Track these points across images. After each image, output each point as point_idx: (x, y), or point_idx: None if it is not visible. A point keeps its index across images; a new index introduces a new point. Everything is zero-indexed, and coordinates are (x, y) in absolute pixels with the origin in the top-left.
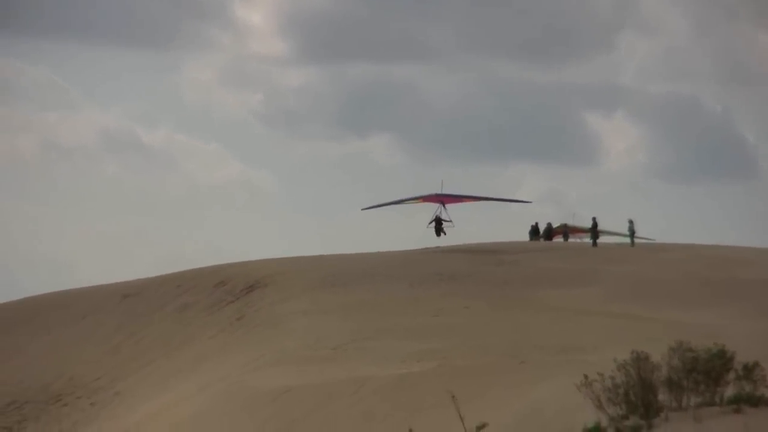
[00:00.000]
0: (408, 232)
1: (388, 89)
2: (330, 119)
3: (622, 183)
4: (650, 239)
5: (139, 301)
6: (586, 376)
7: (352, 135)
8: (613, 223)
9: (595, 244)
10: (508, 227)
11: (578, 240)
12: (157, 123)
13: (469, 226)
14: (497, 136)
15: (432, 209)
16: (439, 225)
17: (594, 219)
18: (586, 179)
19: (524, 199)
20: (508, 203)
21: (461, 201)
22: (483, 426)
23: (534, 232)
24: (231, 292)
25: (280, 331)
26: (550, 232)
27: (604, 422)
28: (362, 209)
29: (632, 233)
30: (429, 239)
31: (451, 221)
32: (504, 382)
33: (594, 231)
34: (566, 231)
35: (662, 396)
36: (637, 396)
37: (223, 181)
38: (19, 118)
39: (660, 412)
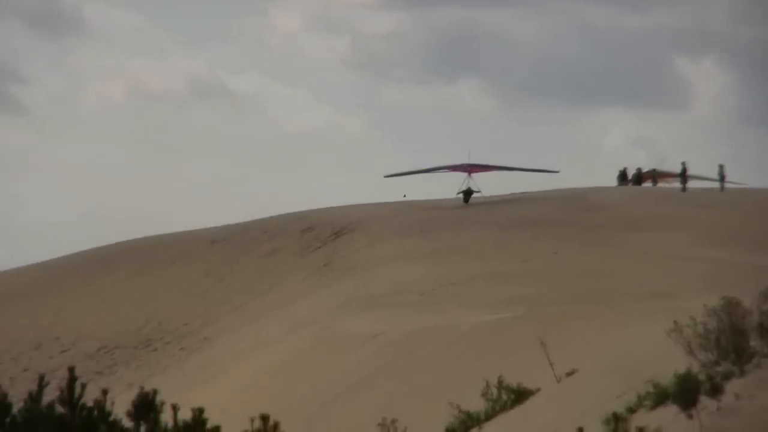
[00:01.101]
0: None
1: (476, 34)
2: (418, 64)
3: (712, 128)
4: (741, 184)
5: (227, 247)
6: (676, 322)
7: (440, 80)
8: (703, 168)
9: (684, 189)
10: (597, 172)
11: (667, 185)
12: (244, 69)
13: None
14: (586, 80)
15: (459, 178)
16: (468, 194)
17: (683, 164)
18: (676, 124)
19: (552, 169)
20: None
21: (488, 170)
22: (572, 372)
23: (622, 177)
24: (318, 238)
25: (367, 276)
26: (639, 177)
27: (695, 368)
28: (385, 176)
29: (722, 178)
30: (517, 186)
31: (480, 191)
32: (593, 328)
33: (683, 176)
34: (655, 176)
35: (754, 342)
36: (729, 342)
37: (310, 127)
38: (108, 64)
39: (752, 359)
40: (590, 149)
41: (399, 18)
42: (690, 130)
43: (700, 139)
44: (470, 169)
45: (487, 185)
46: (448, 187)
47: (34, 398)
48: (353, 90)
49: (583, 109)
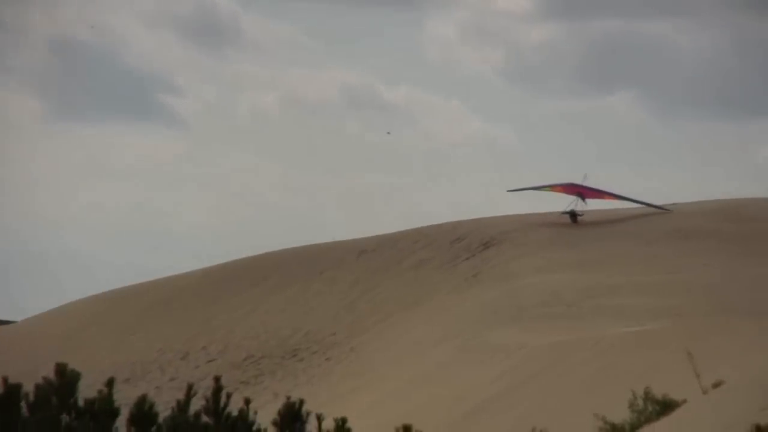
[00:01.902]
0: (644, 189)
1: (634, 44)
2: (572, 75)
3: None
4: None
5: (375, 257)
6: None
7: (594, 91)
8: None
9: None
10: (751, 183)
11: None
12: (398, 80)
13: (706, 183)
14: (743, 92)
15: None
16: (573, 216)
17: None
18: None
19: (665, 207)
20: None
21: (600, 197)
22: (719, 383)
23: None
24: (467, 249)
25: (515, 287)
26: None
27: None
28: (508, 191)
29: None
30: (662, 199)
31: (582, 214)
32: (740, 340)
33: None
34: None
35: None
36: None
37: (462, 138)
38: (263, 75)
39: None
40: (745, 160)
41: (555, 28)
42: None
43: None
44: (584, 191)
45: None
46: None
47: (182, 407)
48: (506, 101)
49: (740, 119)
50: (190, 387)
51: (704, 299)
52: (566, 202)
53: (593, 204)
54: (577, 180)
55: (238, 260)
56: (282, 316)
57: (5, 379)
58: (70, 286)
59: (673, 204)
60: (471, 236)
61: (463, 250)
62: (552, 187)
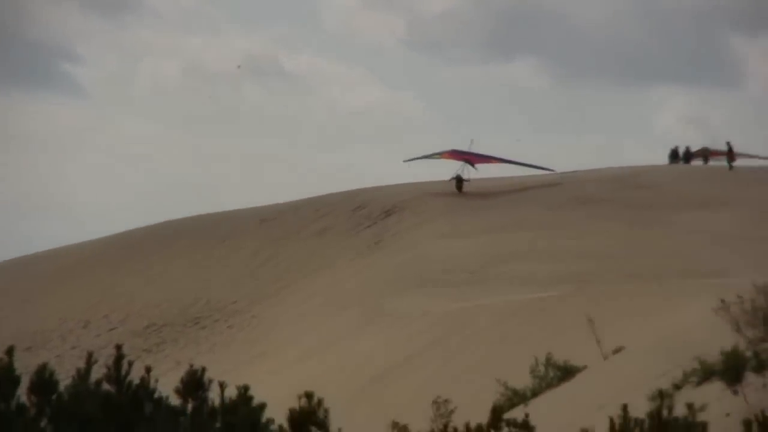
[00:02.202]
0: (544, 156)
1: (534, 13)
2: (474, 43)
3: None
4: None
5: (277, 225)
6: (723, 300)
7: (496, 59)
8: (756, 147)
9: (731, 167)
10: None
11: (718, 163)
12: (300, 48)
13: (605, 150)
14: (642, 59)
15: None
16: (459, 182)
17: (728, 143)
18: (731, 102)
19: (549, 168)
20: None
21: (488, 162)
22: (619, 349)
23: (673, 155)
24: (369, 217)
25: (418, 255)
26: (688, 156)
27: (742, 345)
28: (404, 161)
29: None
30: (565, 165)
31: (468, 181)
32: (641, 306)
33: (730, 154)
34: (707, 154)
35: None
36: None
37: (364, 106)
38: (164, 43)
39: None
40: (643, 128)
41: None
42: (744, 109)
43: (754, 117)
44: (471, 158)
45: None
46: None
47: (82, 376)
48: (409, 69)
49: (638, 87)
50: (90, 355)
51: (605, 266)
52: (458, 169)
53: (496, 172)
54: (464, 147)
55: (140, 229)
56: (184, 284)
57: None
58: None
59: (574, 172)
60: (372, 204)
61: (364, 218)
62: (441, 155)
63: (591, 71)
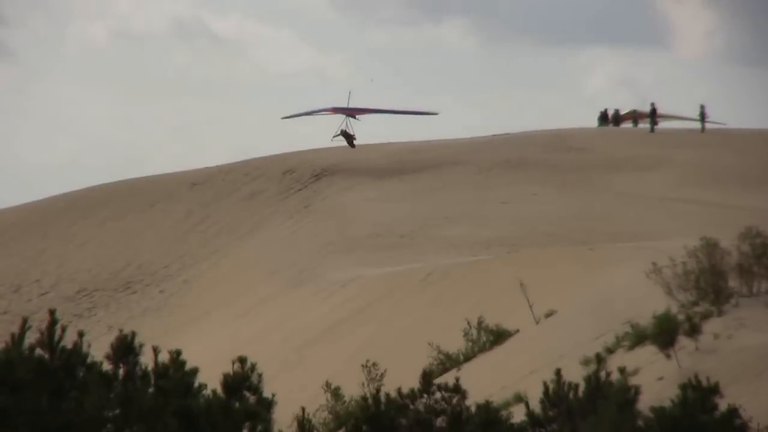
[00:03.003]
0: (475, 119)
1: None
2: (402, 4)
3: (695, 67)
4: (721, 124)
5: (207, 189)
6: (655, 263)
7: (424, 20)
8: (686, 108)
9: (652, 129)
10: (579, 113)
11: (646, 125)
12: (228, 10)
13: (536, 112)
14: (570, 20)
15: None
16: (348, 138)
17: (652, 104)
18: (660, 64)
19: (431, 111)
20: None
21: (367, 113)
22: (551, 313)
23: (603, 118)
24: (299, 180)
25: (347, 218)
26: (617, 118)
27: (674, 309)
28: (282, 118)
29: (703, 118)
30: (495, 127)
31: (354, 135)
32: (573, 270)
33: (652, 116)
34: (636, 117)
35: (732, 282)
36: (707, 282)
37: (293, 68)
38: (92, 4)
39: (730, 298)
40: (573, 90)
41: None
42: (673, 70)
43: (683, 78)
44: (351, 111)
45: (463, 129)
46: (425, 128)
47: (16, 342)
48: (338, 31)
49: (567, 49)
50: (24, 320)
51: (536, 230)
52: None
53: (427, 135)
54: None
55: (69, 193)
56: (114, 248)
57: None
58: None
59: (505, 134)
60: (302, 168)
61: (294, 181)
62: (322, 111)
63: (520, 32)
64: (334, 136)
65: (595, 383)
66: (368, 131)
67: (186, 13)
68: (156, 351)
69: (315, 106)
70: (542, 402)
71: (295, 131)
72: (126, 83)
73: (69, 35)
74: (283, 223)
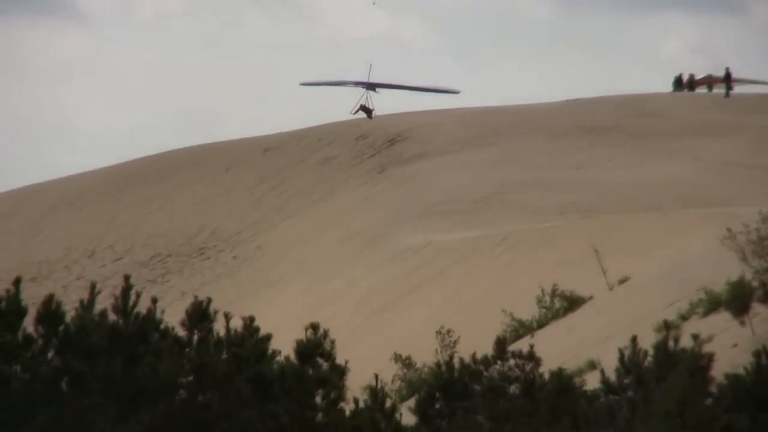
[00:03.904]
0: (549, 82)
1: None
2: None
3: None
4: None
5: (280, 155)
6: (729, 229)
7: None
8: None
9: (727, 94)
10: (651, 79)
11: (722, 91)
12: None
13: (610, 78)
14: None
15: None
16: (367, 111)
17: (727, 69)
18: (736, 29)
19: (452, 89)
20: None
21: (388, 88)
22: (625, 279)
23: (678, 83)
24: (372, 146)
25: (421, 184)
26: (692, 83)
27: (748, 275)
28: (300, 84)
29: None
30: (571, 92)
31: (374, 109)
32: (647, 236)
33: (727, 81)
34: (711, 82)
35: None
36: None
37: (366, 33)
38: None
39: None
40: (648, 55)
41: None
42: (749, 35)
43: (759, 43)
44: (371, 86)
45: (538, 94)
46: (499, 92)
47: (86, 307)
48: None
49: (642, 14)
50: (93, 286)
51: (609, 195)
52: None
53: (496, 101)
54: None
55: (142, 158)
56: (188, 214)
57: None
58: None
59: (578, 99)
60: (375, 133)
61: (368, 146)
62: (343, 83)
63: None
64: (353, 111)
65: (663, 350)
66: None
67: None
68: (228, 317)
69: (345, 76)
70: (617, 369)
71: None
72: (201, 47)
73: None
74: (357, 189)
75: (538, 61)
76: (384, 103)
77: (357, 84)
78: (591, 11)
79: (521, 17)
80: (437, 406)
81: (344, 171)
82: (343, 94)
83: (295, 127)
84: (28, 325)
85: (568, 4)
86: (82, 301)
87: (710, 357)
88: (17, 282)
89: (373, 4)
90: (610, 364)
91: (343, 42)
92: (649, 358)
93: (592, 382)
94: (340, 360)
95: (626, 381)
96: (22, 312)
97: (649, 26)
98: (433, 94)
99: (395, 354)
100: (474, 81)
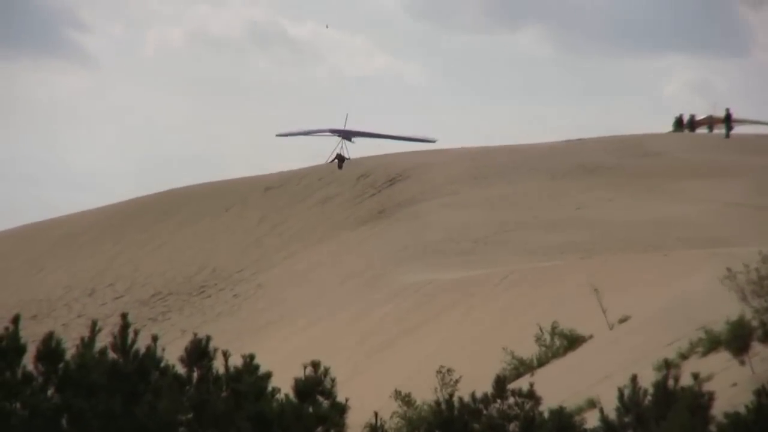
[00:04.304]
0: (549, 122)
1: None
2: (478, 11)
3: None
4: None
5: (281, 193)
6: (729, 269)
7: (500, 27)
8: (763, 114)
9: (728, 135)
10: (651, 119)
11: (722, 131)
12: (303, 15)
13: (610, 118)
14: (646, 27)
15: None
16: (341, 161)
17: (727, 110)
18: (736, 70)
19: (429, 138)
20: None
21: (364, 136)
22: (625, 318)
23: (678, 123)
24: (373, 185)
25: (422, 224)
26: (693, 123)
27: (748, 315)
28: (276, 135)
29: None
30: (572, 132)
31: (349, 158)
32: (647, 275)
33: (728, 122)
34: (711, 122)
35: None
36: None
37: (368, 74)
38: (169, 10)
39: None
40: (649, 95)
41: None
42: (750, 76)
43: (759, 85)
44: (347, 134)
45: (538, 134)
46: (500, 132)
47: (86, 344)
48: (412, 36)
49: (643, 55)
50: (94, 323)
51: (609, 235)
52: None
53: (494, 140)
54: (339, 125)
55: (144, 197)
56: (188, 252)
57: None
58: None
59: (579, 140)
60: (376, 172)
61: (368, 186)
62: (318, 132)
63: (595, 39)
64: (329, 161)
65: (663, 389)
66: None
67: (263, 18)
68: (227, 355)
69: (315, 126)
70: (617, 408)
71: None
72: (203, 88)
73: (147, 40)
74: (357, 228)
75: (538, 100)
76: (384, 144)
77: (333, 132)
78: (591, 51)
79: (522, 57)
80: None
81: (345, 210)
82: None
83: (296, 167)
84: (28, 362)
85: (568, 44)
86: (83, 339)
87: (710, 396)
88: (16, 319)
89: (327, 27)
90: (610, 403)
91: (343, 81)
92: (649, 397)
93: (591, 420)
94: (340, 398)
95: (626, 419)
96: (21, 349)
97: (650, 67)
98: (410, 142)
99: (396, 391)
100: (474, 120)
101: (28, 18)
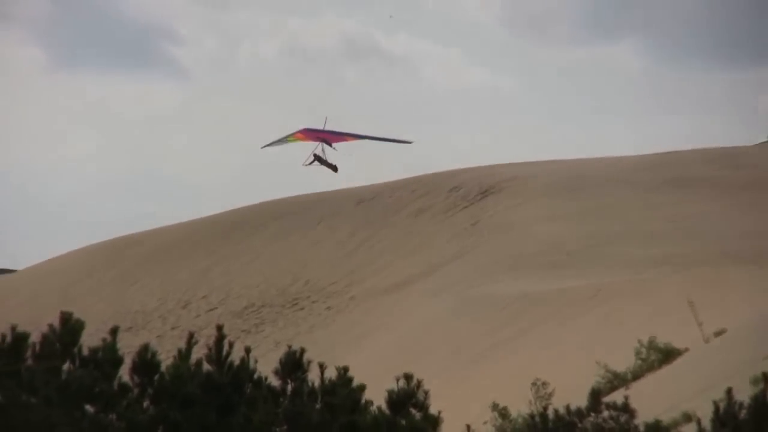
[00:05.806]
0: (641, 134)
1: None
2: (574, 23)
3: None
4: None
5: (373, 206)
6: None
7: (596, 39)
8: None
9: None
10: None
11: None
12: (397, 29)
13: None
14: (747, 39)
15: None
16: (326, 165)
17: None
18: None
19: (406, 140)
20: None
21: (343, 139)
22: (721, 332)
23: None
24: (465, 197)
25: (514, 236)
26: None
27: None
28: (261, 147)
29: None
30: (664, 145)
31: (334, 164)
32: (743, 288)
33: None
34: None
35: None
36: None
37: (462, 87)
38: (263, 23)
39: None
40: (746, 107)
41: None
42: None
43: None
44: (326, 136)
45: (630, 146)
46: (592, 144)
47: (183, 356)
48: (507, 49)
49: (742, 67)
50: (191, 335)
51: (704, 247)
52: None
53: (586, 152)
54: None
55: (237, 209)
56: (281, 265)
57: (14, 328)
58: (68, 234)
59: (670, 152)
60: (469, 184)
61: (461, 198)
62: (293, 136)
63: (692, 52)
64: (307, 163)
65: (760, 403)
66: (535, 146)
67: (356, 31)
68: (323, 367)
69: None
70: (713, 421)
71: (464, 148)
72: (296, 100)
73: (240, 53)
74: (450, 241)
75: (630, 113)
76: (479, 155)
77: (306, 133)
78: (684, 65)
79: (615, 70)
80: None
81: (437, 223)
82: (437, 146)
83: (389, 179)
84: (124, 374)
85: (661, 57)
86: (180, 350)
87: None
88: (114, 331)
89: (390, 17)
90: (706, 417)
91: (438, 94)
92: (745, 411)
93: None
94: (433, 410)
95: None
96: (118, 361)
97: (744, 79)
98: (385, 143)
99: (493, 403)
100: (567, 132)
101: (123, 32)
